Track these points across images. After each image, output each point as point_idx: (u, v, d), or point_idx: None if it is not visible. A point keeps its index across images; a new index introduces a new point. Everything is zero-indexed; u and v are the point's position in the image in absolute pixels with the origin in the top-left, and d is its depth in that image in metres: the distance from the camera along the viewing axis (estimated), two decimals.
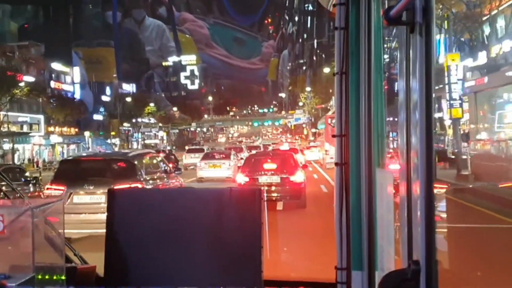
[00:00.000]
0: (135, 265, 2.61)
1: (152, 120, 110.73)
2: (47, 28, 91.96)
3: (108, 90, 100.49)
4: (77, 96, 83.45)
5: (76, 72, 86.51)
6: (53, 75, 78.14)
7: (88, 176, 10.89)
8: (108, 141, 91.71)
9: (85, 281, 2.56)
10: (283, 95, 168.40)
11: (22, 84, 57.13)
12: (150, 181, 11.41)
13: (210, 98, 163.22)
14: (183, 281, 2.51)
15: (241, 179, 16.56)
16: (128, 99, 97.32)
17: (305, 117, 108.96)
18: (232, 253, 2.56)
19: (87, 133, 77.87)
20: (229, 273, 2.54)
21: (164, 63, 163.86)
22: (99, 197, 10.17)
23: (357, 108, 2.03)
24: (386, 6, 1.61)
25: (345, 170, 2.08)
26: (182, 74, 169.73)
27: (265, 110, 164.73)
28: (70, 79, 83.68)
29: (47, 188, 11.07)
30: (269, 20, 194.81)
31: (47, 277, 2.16)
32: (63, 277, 2.22)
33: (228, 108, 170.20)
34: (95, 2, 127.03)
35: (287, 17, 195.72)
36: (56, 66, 79.96)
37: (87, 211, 10.05)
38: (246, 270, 2.53)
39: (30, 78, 65.28)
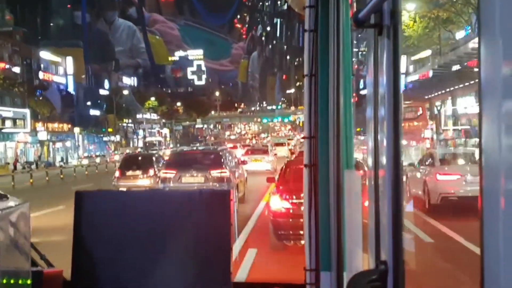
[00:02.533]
0: (102, 268, 2.58)
1: (154, 116, 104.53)
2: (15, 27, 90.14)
3: (106, 84, 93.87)
4: (71, 89, 76.88)
5: (69, 63, 78.00)
6: (42, 65, 70.68)
7: (191, 164, 16.11)
8: (106, 138, 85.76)
9: (51, 285, 2.52)
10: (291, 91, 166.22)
11: None
12: (232, 169, 16.12)
13: (217, 94, 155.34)
14: (152, 284, 2.49)
15: (278, 204, 9.54)
16: (127, 93, 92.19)
17: None
18: (202, 255, 2.55)
19: (76, 129, 72.36)
20: (198, 275, 2.53)
21: (170, 58, 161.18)
22: (199, 179, 15.40)
23: (326, 110, 2.04)
24: (355, 9, 1.62)
25: (314, 171, 2.09)
26: (189, 70, 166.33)
27: (273, 107, 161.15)
28: (63, 70, 76.61)
29: (164, 172, 16.24)
30: (241, 22, 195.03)
31: (12, 281, 2.12)
32: (28, 281, 2.18)
33: (236, 104, 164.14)
34: (63, 1, 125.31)
35: (258, 19, 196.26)
36: (45, 55, 72.27)
37: (190, 187, 14.40)
38: (215, 272, 2.52)
39: (14, 69, 60.33)
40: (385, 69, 1.45)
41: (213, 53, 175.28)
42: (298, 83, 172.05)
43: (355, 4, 2.18)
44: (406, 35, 42.17)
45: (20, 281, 2.16)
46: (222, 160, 16.11)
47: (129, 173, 20.62)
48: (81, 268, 2.60)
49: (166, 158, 21.47)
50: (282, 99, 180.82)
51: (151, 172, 20.27)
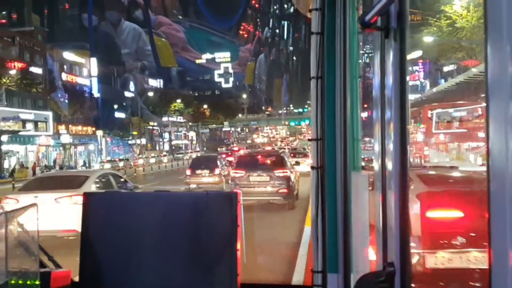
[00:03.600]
0: (110, 269, 2.59)
1: (181, 119, 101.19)
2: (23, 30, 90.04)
3: (131, 86, 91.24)
4: (95, 91, 74.40)
5: (93, 64, 75.61)
6: (65, 67, 69.05)
7: (257, 164, 17.87)
8: (131, 141, 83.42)
9: (59, 286, 2.53)
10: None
11: (15, 73, 50.51)
12: (290, 169, 17.70)
13: (244, 96, 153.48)
14: (159, 285, 2.50)
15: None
16: (152, 95, 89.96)
17: None
18: (208, 256, 2.56)
19: (99, 132, 69.55)
20: (205, 276, 2.54)
21: (197, 61, 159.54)
22: (265, 178, 16.76)
23: (333, 112, 2.05)
24: (361, 12, 1.63)
25: (321, 173, 2.09)
26: (216, 72, 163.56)
27: (300, 110, 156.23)
28: (87, 71, 74.16)
29: (234, 172, 17.75)
30: (248, 25, 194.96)
31: (20, 282, 2.13)
32: (37, 282, 2.20)
33: (263, 108, 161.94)
34: (71, 4, 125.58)
35: (265, 21, 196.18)
36: (69, 56, 69.91)
37: (257, 185, 16.66)
38: (222, 273, 2.52)
39: (34, 69, 58.32)
40: (391, 72, 1.46)
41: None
42: None
43: (361, 7, 2.18)
44: (458, 26, 37.26)
45: (28, 282, 2.17)
46: (284, 161, 18.06)
47: (198, 171, 24.08)
48: (89, 269, 2.62)
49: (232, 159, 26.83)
50: (308, 102, 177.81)
51: (217, 171, 24.15)
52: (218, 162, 25.41)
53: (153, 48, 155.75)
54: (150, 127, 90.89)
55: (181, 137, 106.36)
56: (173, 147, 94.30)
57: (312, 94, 2.15)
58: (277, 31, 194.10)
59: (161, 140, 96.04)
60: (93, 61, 75.86)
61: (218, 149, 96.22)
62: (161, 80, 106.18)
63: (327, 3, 2.07)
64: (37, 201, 10.29)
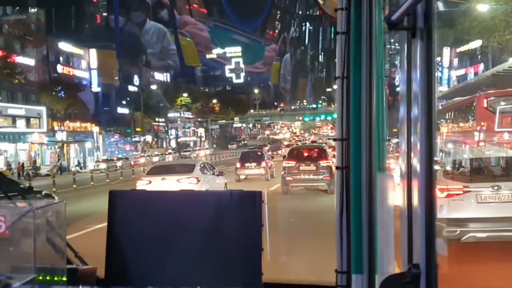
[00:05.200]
0: (135, 266, 2.62)
1: (189, 115, 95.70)
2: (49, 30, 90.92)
3: (136, 80, 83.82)
4: (95, 85, 68.67)
5: (93, 56, 69.22)
6: (61, 58, 62.77)
7: (305, 155, 20.76)
8: (136, 139, 77.92)
9: (86, 282, 2.57)
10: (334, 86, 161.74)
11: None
12: (332, 160, 19.93)
13: (256, 91, 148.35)
14: (183, 283, 2.52)
15: None
16: (156, 88, 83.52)
17: None
18: (232, 256, 2.57)
19: (95, 129, 63.83)
20: (229, 275, 2.55)
21: (208, 56, 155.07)
22: (312, 167, 19.74)
23: (358, 112, 2.04)
24: (388, 11, 1.62)
25: (346, 173, 2.09)
26: (227, 67, 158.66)
27: (314, 106, 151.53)
28: (86, 64, 68.23)
29: (286, 162, 20.41)
30: (273, 25, 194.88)
31: (48, 278, 2.17)
32: (64, 278, 2.23)
33: (275, 103, 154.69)
34: (96, 6, 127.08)
35: (291, 21, 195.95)
36: (65, 46, 63.90)
37: (305, 173, 19.66)
38: (246, 273, 2.54)
39: (26, 60, 53.33)
40: (418, 72, 1.45)
41: (243, 55, 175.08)
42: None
43: (388, 6, 2.17)
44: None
45: (56, 278, 2.20)
46: (326, 153, 21.02)
47: (247, 164, 27.42)
48: (114, 266, 2.65)
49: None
50: (322, 97, 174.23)
51: (263, 164, 27.45)
52: (264, 156, 28.90)
53: (178, 47, 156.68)
54: (156, 124, 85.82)
55: (189, 134, 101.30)
56: (181, 144, 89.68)
57: (338, 94, 2.15)
58: (304, 30, 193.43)
59: (168, 137, 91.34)
60: (93, 52, 69.23)
61: (229, 146, 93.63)
62: (168, 74, 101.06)
63: (353, 3, 2.06)
64: (164, 181, 16.79)
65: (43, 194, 13.38)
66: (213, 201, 2.74)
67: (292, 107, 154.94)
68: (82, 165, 58.34)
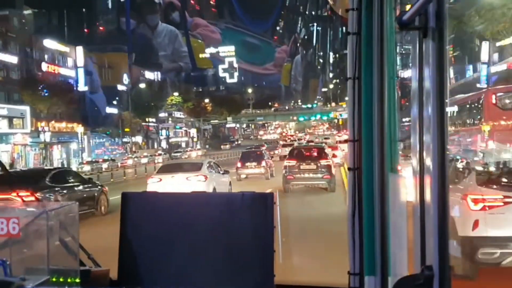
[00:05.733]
0: (148, 268, 2.63)
1: (180, 115, 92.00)
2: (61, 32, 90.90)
3: (125, 79, 79.83)
4: (81, 83, 64.44)
5: (79, 53, 64.43)
6: (46, 56, 59.34)
7: (306, 155, 21.40)
8: (126, 139, 74.50)
9: (99, 284, 2.58)
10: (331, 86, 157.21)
11: None
12: (332, 159, 21.80)
13: (249, 90, 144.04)
14: (195, 284, 2.52)
15: None
16: (148, 90, 79.31)
17: None
18: (244, 257, 2.57)
19: (80, 129, 60.09)
20: (241, 277, 2.55)
21: (201, 55, 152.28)
22: (313, 166, 20.28)
23: (370, 113, 2.03)
24: (399, 11, 1.61)
25: (358, 175, 2.08)
26: (220, 67, 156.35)
27: (309, 106, 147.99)
28: (72, 62, 64.25)
29: (287, 161, 20.91)
30: (282, 25, 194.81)
31: (61, 279, 2.18)
32: (77, 280, 2.24)
33: (270, 103, 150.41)
34: (109, 8, 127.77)
35: (301, 22, 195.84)
36: (50, 44, 60.29)
37: (306, 172, 20.26)
38: (258, 274, 2.53)
39: (8, 58, 51.32)
40: (430, 72, 1.44)
41: (254, 56, 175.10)
42: (335, 80, 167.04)
43: (399, 6, 2.16)
44: None
45: (69, 279, 2.22)
46: (326, 153, 21.71)
47: (247, 164, 27.88)
48: (127, 268, 2.66)
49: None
50: (318, 97, 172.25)
51: (263, 163, 27.88)
52: (264, 156, 29.50)
53: (189, 49, 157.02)
54: (147, 124, 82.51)
55: (181, 134, 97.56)
56: (172, 145, 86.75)
57: (349, 95, 2.14)
58: (313, 31, 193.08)
59: (158, 137, 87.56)
60: (79, 50, 64.95)
61: (222, 146, 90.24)
62: (158, 73, 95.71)
63: (364, 3, 2.06)
64: (174, 179, 17.63)
65: (96, 183, 18.29)
66: (225, 202, 2.74)
67: (286, 107, 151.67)
68: (66, 166, 53.94)
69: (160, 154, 68.34)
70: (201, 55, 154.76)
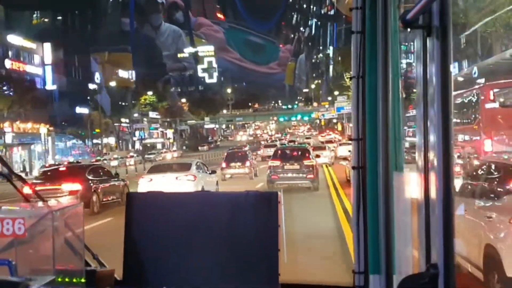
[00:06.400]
0: (153, 268, 2.64)
1: (155, 115, 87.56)
2: (65, 33, 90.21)
3: (98, 77, 75.10)
4: (49, 82, 61.04)
5: (47, 50, 61.12)
6: (10, 52, 55.91)
7: (290, 155, 21.84)
8: (98, 140, 69.53)
9: (104, 284, 2.59)
10: (314, 87, 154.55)
11: None
12: (316, 159, 22.24)
13: (229, 91, 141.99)
14: (201, 284, 2.53)
15: None
16: (120, 89, 73.96)
17: (350, 105, 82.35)
18: (249, 256, 2.57)
19: (43, 130, 56.00)
20: (246, 276, 2.55)
21: (179, 55, 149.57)
22: (296, 166, 20.77)
23: (374, 111, 2.03)
24: (403, 10, 1.61)
25: (362, 173, 2.08)
26: (199, 67, 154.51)
27: (289, 106, 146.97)
28: (39, 59, 60.77)
29: (271, 161, 21.56)
30: (287, 25, 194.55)
31: (67, 280, 2.19)
32: (82, 280, 2.25)
33: (250, 104, 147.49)
34: (113, 8, 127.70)
35: (304, 21, 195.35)
36: (15, 40, 56.95)
37: (290, 172, 20.78)
38: (263, 273, 2.54)
39: None
40: (434, 71, 1.44)
41: (258, 56, 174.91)
42: (316, 81, 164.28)
43: (402, 5, 2.16)
44: None
45: (74, 280, 2.22)
46: (310, 153, 22.14)
47: (232, 164, 28.66)
48: (132, 268, 2.66)
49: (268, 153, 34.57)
50: (299, 97, 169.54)
51: (247, 163, 28.68)
52: (248, 156, 30.34)
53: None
54: (121, 125, 78.01)
55: (157, 135, 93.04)
56: (148, 147, 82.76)
57: (353, 94, 2.14)
58: (317, 30, 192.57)
59: (131, 139, 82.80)
60: (47, 46, 61.18)
61: (199, 148, 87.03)
62: (133, 72, 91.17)
63: (368, 2, 2.06)
64: (164, 178, 18.14)
65: (121, 178, 20.60)
66: (229, 202, 2.74)
67: (266, 107, 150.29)
68: (28, 170, 52.00)
69: (132, 156, 63.86)
70: (179, 55, 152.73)
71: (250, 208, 2.62)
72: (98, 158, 60.44)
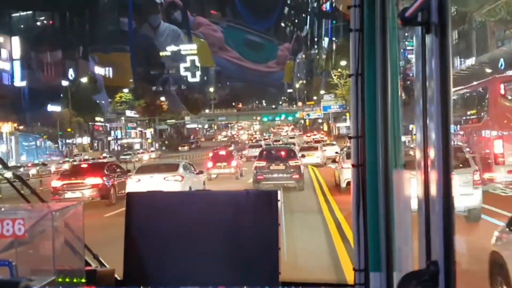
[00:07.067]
0: (153, 267, 2.64)
1: (133, 113, 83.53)
2: (64, 32, 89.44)
3: (71, 74, 71.99)
4: (17, 78, 58.34)
5: (15, 44, 58.87)
6: None
7: (275, 156, 22.10)
8: (72, 140, 65.58)
9: (104, 284, 2.59)
10: (298, 88, 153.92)
11: None
12: (301, 160, 23.38)
13: (211, 89, 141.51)
14: (201, 283, 2.53)
15: None
16: (94, 86, 69.78)
17: (337, 104, 78.09)
18: (250, 255, 2.58)
19: (5, 128, 53.42)
20: (246, 274, 2.56)
21: (161, 53, 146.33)
22: (282, 166, 21.07)
23: (373, 109, 2.03)
24: (401, 7, 1.61)
25: (362, 171, 2.08)
26: (182, 66, 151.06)
27: (273, 106, 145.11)
28: (7, 54, 58.48)
29: (257, 162, 21.87)
30: (284, 23, 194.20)
31: (67, 280, 2.19)
32: (83, 280, 2.25)
33: (234, 103, 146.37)
34: (111, 8, 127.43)
35: (303, 20, 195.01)
36: None
37: (275, 172, 21.09)
38: (263, 271, 2.54)
39: None
40: (433, 68, 1.44)
41: (256, 55, 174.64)
42: (301, 81, 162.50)
43: (401, 2, 2.16)
44: None
45: (75, 280, 2.22)
46: (295, 154, 22.67)
47: (218, 164, 29.16)
48: (132, 267, 2.67)
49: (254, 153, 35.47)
50: (283, 98, 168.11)
51: (233, 163, 29.19)
52: (234, 156, 31.03)
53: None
54: (96, 124, 74.58)
55: (136, 135, 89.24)
56: (125, 147, 78.77)
57: (352, 92, 2.14)
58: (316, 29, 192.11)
59: (104, 139, 78.86)
60: (15, 40, 58.81)
61: (180, 148, 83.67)
62: (110, 69, 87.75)
63: (366, 0, 2.06)
64: (152, 179, 18.46)
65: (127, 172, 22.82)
66: (229, 200, 2.74)
67: (249, 106, 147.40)
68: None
69: (105, 157, 59.48)
70: (161, 53, 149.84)
71: (250, 207, 2.62)
72: (67, 159, 57.54)
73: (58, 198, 18.62)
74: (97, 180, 19.38)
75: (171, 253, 2.64)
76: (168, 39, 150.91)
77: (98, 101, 58.55)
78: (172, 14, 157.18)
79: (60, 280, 2.13)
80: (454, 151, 11.61)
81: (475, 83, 19.14)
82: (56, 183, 19.85)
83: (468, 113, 18.56)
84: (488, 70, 34.84)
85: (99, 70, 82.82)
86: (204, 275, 2.59)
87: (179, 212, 2.71)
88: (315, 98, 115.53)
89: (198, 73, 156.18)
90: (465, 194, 11.20)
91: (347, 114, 74.52)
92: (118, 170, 22.11)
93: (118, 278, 2.75)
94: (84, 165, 24.18)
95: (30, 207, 2.47)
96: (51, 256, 2.10)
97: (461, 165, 11.91)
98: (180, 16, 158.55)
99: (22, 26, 79.66)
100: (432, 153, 1.45)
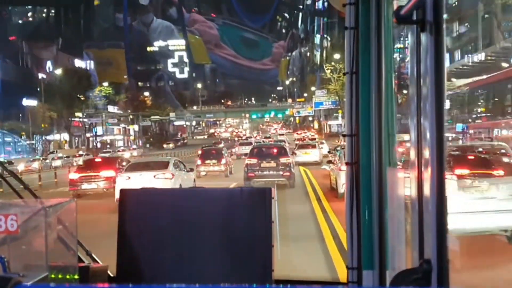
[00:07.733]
0: (146, 264, 2.63)
1: (115, 109, 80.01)
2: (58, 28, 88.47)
3: (49, 66, 68.83)
4: None
5: None
6: None
7: (266, 153, 22.20)
8: (49, 137, 62.57)
9: (97, 280, 2.58)
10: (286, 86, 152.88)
11: None
12: (293, 157, 23.82)
13: (199, 86, 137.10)
14: (195, 279, 2.53)
15: None
16: (71, 79, 64.31)
17: (330, 100, 74.76)
18: (243, 252, 2.57)
19: None
20: (240, 271, 2.55)
21: (149, 49, 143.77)
22: (273, 164, 21.11)
23: (368, 107, 2.03)
24: (396, 5, 1.61)
25: (356, 169, 2.08)
26: (170, 61, 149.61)
27: (263, 103, 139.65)
28: None
29: (248, 159, 21.86)
30: (280, 20, 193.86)
31: (60, 276, 2.18)
32: (76, 276, 2.24)
33: (223, 101, 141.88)
34: (105, 5, 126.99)
35: (298, 18, 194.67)
36: None
37: (266, 170, 21.17)
38: (257, 268, 2.54)
39: None
40: (428, 66, 1.44)
41: (251, 52, 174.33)
42: (291, 78, 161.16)
43: (396, 1, 2.16)
44: None
45: (68, 276, 2.22)
46: (286, 151, 22.77)
47: (207, 162, 28.88)
48: (125, 264, 2.66)
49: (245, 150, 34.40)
50: (272, 95, 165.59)
51: (223, 161, 28.97)
52: (224, 153, 30.60)
53: (187, 45, 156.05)
54: (76, 120, 70.71)
55: (118, 132, 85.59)
56: (105, 144, 75.75)
57: (347, 90, 2.14)
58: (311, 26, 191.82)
59: (82, 135, 74.69)
60: None
61: (164, 146, 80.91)
62: (91, 62, 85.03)
63: None
64: (141, 177, 18.00)
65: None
66: (223, 197, 2.74)
67: (238, 103, 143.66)
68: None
69: (81, 155, 54.61)
70: (149, 48, 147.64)
71: (244, 204, 2.62)
72: (37, 157, 53.55)
73: (76, 189, 20.71)
74: (111, 173, 20.69)
75: (164, 250, 2.63)
76: (161, 35, 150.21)
77: (77, 96, 54.63)
78: (167, 10, 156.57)
79: (53, 276, 2.12)
80: (495, 153, 10.51)
81: (496, 73, 16.42)
82: (73, 175, 21.47)
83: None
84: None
85: (79, 63, 79.12)
86: (197, 271, 2.59)
87: (173, 209, 2.70)
88: (305, 95, 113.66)
89: (186, 69, 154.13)
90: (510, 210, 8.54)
91: (340, 111, 73.77)
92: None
93: (111, 275, 2.74)
94: (98, 160, 26.01)
95: (23, 202, 2.45)
96: (44, 252, 2.09)
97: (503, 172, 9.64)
98: (176, 13, 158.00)
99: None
100: (425, 152, 1.45)
